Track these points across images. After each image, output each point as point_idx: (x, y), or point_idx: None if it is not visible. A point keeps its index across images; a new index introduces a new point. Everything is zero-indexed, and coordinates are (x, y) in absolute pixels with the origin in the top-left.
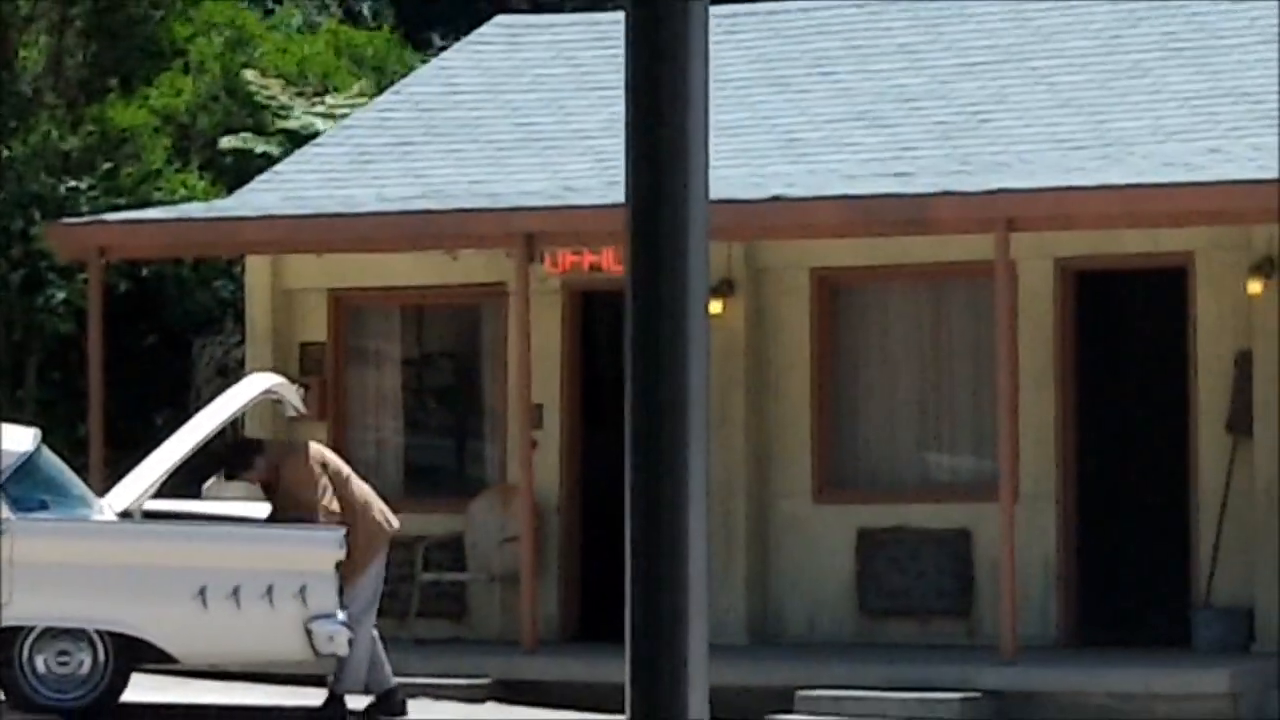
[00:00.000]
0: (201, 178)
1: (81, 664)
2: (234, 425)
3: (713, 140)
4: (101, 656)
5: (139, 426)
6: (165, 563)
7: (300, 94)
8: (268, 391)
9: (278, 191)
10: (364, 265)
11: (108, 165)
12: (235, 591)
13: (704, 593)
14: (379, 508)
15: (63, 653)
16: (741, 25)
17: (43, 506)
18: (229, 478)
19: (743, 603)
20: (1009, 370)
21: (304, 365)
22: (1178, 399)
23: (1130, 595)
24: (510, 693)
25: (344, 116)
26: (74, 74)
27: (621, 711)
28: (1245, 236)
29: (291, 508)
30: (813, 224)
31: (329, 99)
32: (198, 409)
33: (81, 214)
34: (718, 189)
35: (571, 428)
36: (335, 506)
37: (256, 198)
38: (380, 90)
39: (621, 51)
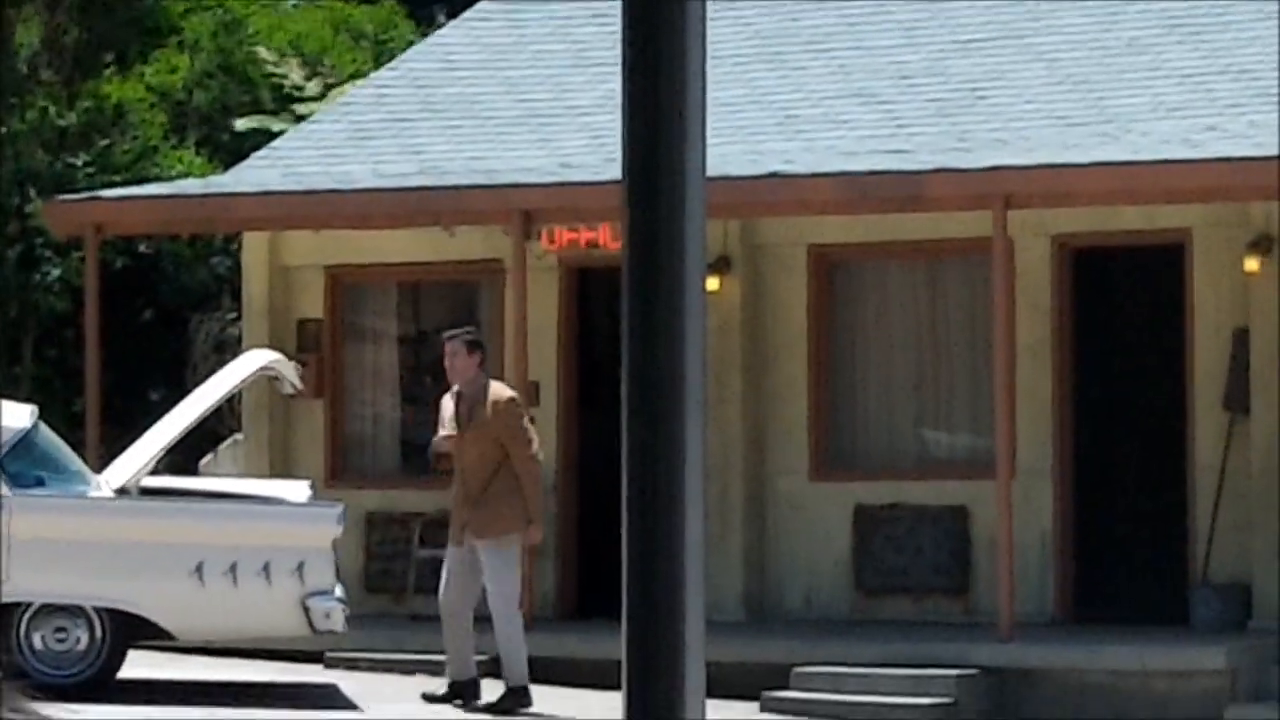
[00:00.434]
0: (198, 154)
1: (79, 641)
2: (230, 402)
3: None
4: (99, 633)
5: (136, 403)
6: (162, 539)
7: (315, 72)
8: (265, 368)
9: (275, 168)
10: (361, 242)
11: (104, 142)
12: (232, 568)
13: (700, 568)
14: None
15: (60, 629)
16: (739, 3)
17: (40, 483)
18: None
19: (740, 580)
20: (1005, 347)
21: (301, 342)
22: (1175, 376)
23: (1127, 573)
24: None
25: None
26: (70, 51)
27: (619, 688)
28: (1243, 214)
29: (490, 449)
30: (810, 201)
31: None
32: (194, 385)
33: (77, 191)
34: (714, 166)
35: (568, 405)
36: (540, 458)
37: (253, 174)
38: (380, 66)
39: (620, 28)
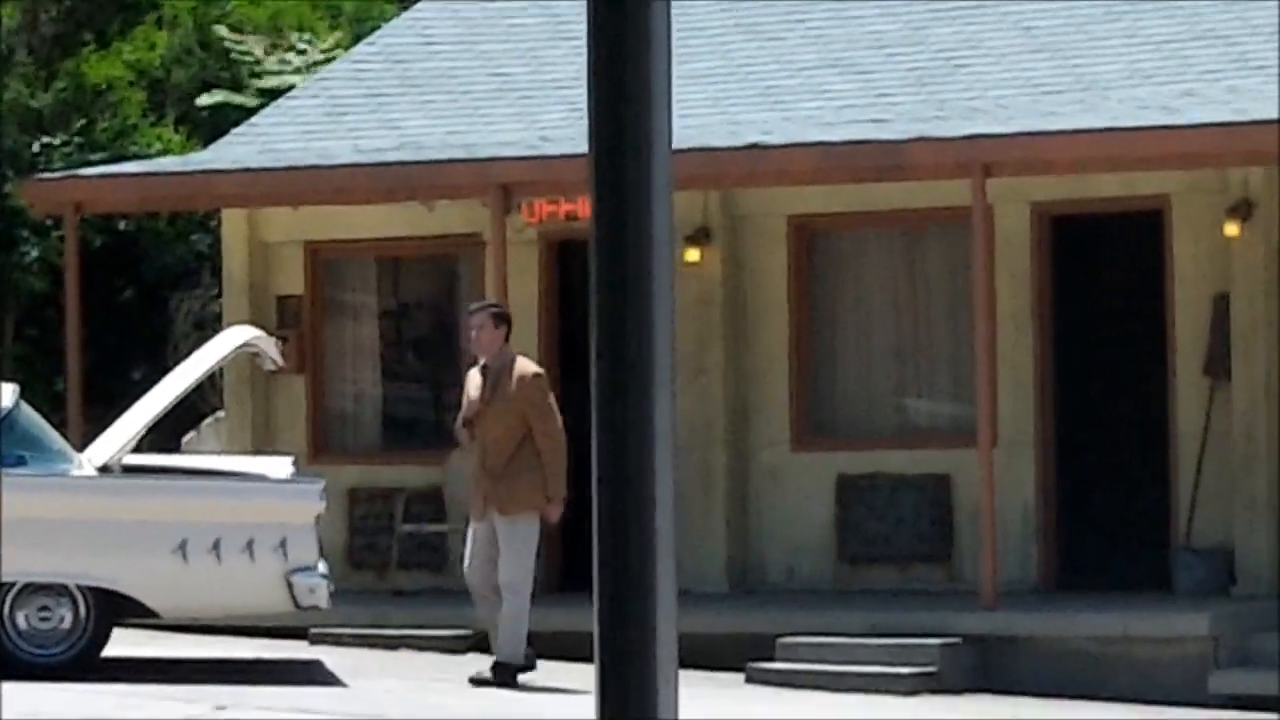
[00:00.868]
0: (177, 132)
1: (63, 619)
2: (211, 379)
3: (688, 89)
4: (83, 612)
5: (117, 381)
6: (145, 517)
7: (275, 46)
8: (245, 345)
9: (253, 145)
10: (340, 217)
11: (83, 121)
12: (216, 545)
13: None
14: None
15: (44, 608)
16: None
17: (22, 462)
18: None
19: (723, 551)
20: (986, 315)
21: (281, 318)
22: (1155, 343)
23: (1110, 539)
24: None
25: (320, 65)
26: (48, 29)
27: None
28: (1221, 179)
29: (514, 424)
30: (789, 171)
31: (302, 49)
32: (176, 363)
33: (56, 170)
34: (693, 137)
35: (549, 378)
36: (561, 437)
37: (232, 151)
38: (358, 42)
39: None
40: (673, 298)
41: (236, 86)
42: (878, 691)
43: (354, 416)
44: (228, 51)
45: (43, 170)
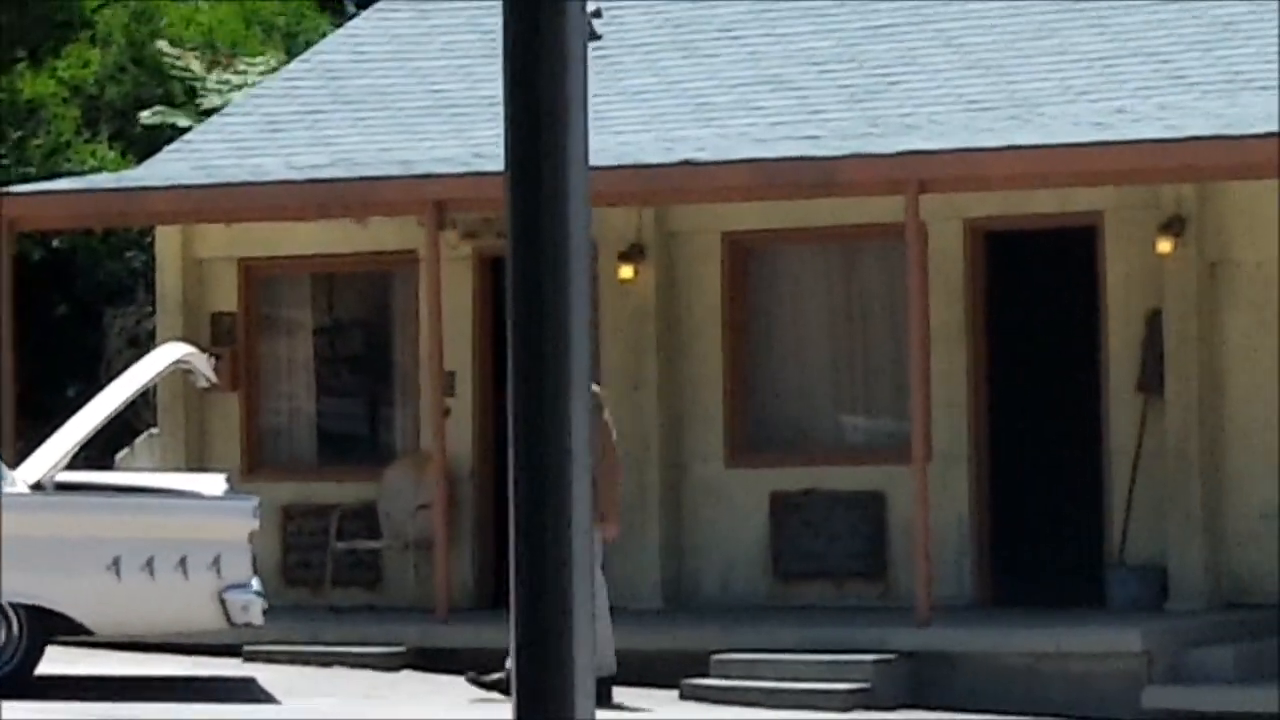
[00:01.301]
0: (111, 148)
1: None
2: (145, 396)
3: (622, 105)
4: (15, 629)
5: (51, 398)
6: (78, 534)
7: (215, 63)
8: (179, 362)
9: (187, 161)
10: (274, 234)
11: (17, 136)
12: (149, 563)
13: (587, 549)
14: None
15: None
16: None
17: None
18: None
19: (657, 568)
20: (920, 331)
21: (215, 335)
22: (1089, 358)
23: (1044, 555)
24: (426, 660)
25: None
26: None
27: None
28: (1154, 196)
29: None
30: (723, 188)
31: (242, 69)
32: (109, 380)
33: None
34: (627, 154)
35: (484, 394)
36: (614, 455)
37: (166, 168)
38: (291, 59)
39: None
40: (589, 312)
41: (171, 103)
42: (812, 708)
43: (288, 433)
44: (164, 68)
45: None
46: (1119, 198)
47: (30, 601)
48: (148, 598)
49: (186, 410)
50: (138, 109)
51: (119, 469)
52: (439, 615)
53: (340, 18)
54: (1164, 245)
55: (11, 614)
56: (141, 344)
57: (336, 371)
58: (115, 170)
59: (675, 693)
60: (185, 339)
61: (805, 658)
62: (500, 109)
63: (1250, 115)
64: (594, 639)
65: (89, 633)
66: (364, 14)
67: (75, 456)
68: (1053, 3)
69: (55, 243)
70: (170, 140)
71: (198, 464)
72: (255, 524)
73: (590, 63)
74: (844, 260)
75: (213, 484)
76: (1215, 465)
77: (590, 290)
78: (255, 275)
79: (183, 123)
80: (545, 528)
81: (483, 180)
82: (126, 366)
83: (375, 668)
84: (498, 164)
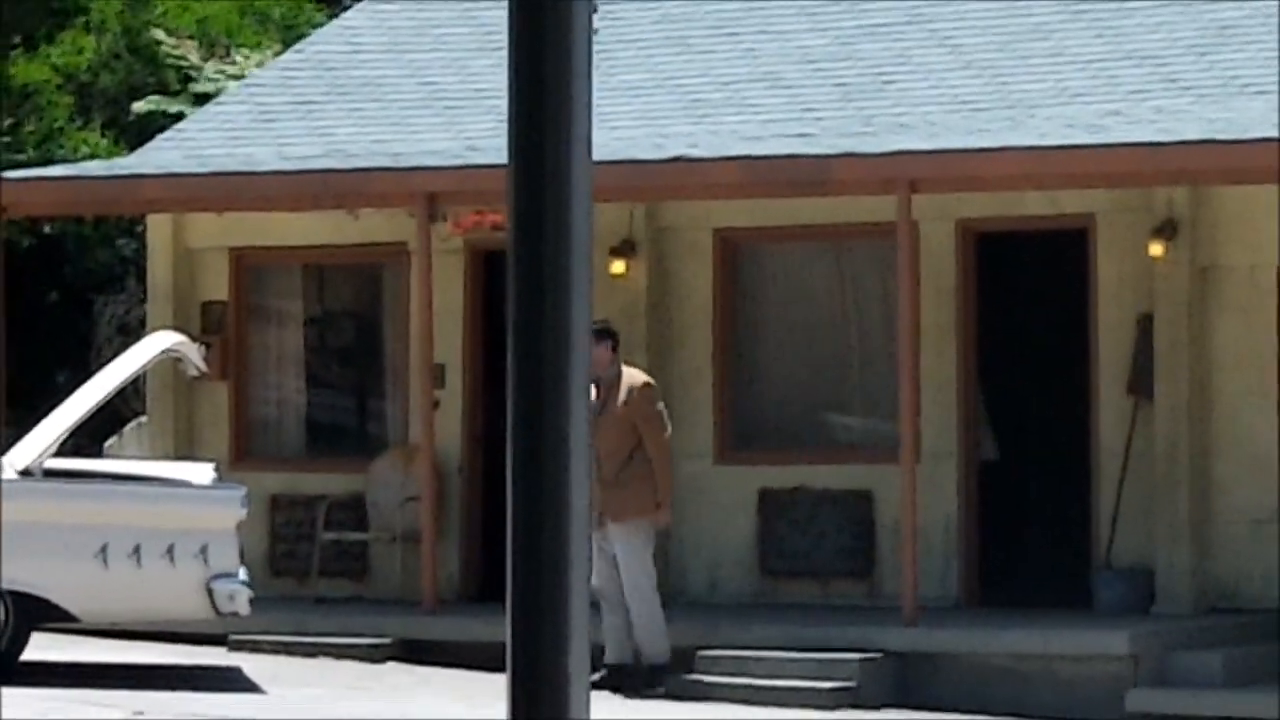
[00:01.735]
0: (104, 136)
1: None
2: (134, 384)
3: (615, 100)
4: (1, 616)
5: (40, 385)
6: (66, 521)
7: (212, 54)
8: (169, 350)
9: (179, 150)
10: (266, 224)
11: (9, 122)
12: (136, 550)
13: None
14: None
15: None
16: None
17: None
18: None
19: None
20: (910, 331)
21: (205, 324)
22: (1079, 361)
23: (1031, 556)
24: (411, 652)
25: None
26: None
27: None
28: (1146, 199)
29: (626, 433)
30: (715, 184)
31: (239, 59)
32: (99, 367)
33: None
34: (619, 149)
35: (473, 387)
36: (669, 446)
37: (158, 156)
38: (286, 50)
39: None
40: (590, 307)
41: (165, 90)
42: (798, 706)
43: (277, 423)
44: (158, 56)
45: None
46: (1111, 201)
47: (17, 588)
48: (134, 586)
49: (175, 399)
50: (131, 97)
51: (107, 457)
52: (425, 607)
53: (336, 8)
54: (1156, 249)
55: None
56: (131, 332)
57: (326, 362)
58: (107, 158)
59: (660, 689)
60: (175, 327)
61: (791, 656)
62: (493, 102)
63: (1245, 120)
64: (588, 631)
65: (75, 620)
66: (358, 6)
67: (64, 443)
68: (1048, 4)
69: (46, 229)
70: (164, 128)
71: (186, 453)
72: (243, 513)
73: None
74: (835, 259)
75: (201, 473)
76: (1203, 469)
77: (592, 287)
78: (246, 265)
79: (177, 110)
80: (543, 520)
81: (474, 173)
82: (116, 354)
83: (361, 659)
84: (490, 157)
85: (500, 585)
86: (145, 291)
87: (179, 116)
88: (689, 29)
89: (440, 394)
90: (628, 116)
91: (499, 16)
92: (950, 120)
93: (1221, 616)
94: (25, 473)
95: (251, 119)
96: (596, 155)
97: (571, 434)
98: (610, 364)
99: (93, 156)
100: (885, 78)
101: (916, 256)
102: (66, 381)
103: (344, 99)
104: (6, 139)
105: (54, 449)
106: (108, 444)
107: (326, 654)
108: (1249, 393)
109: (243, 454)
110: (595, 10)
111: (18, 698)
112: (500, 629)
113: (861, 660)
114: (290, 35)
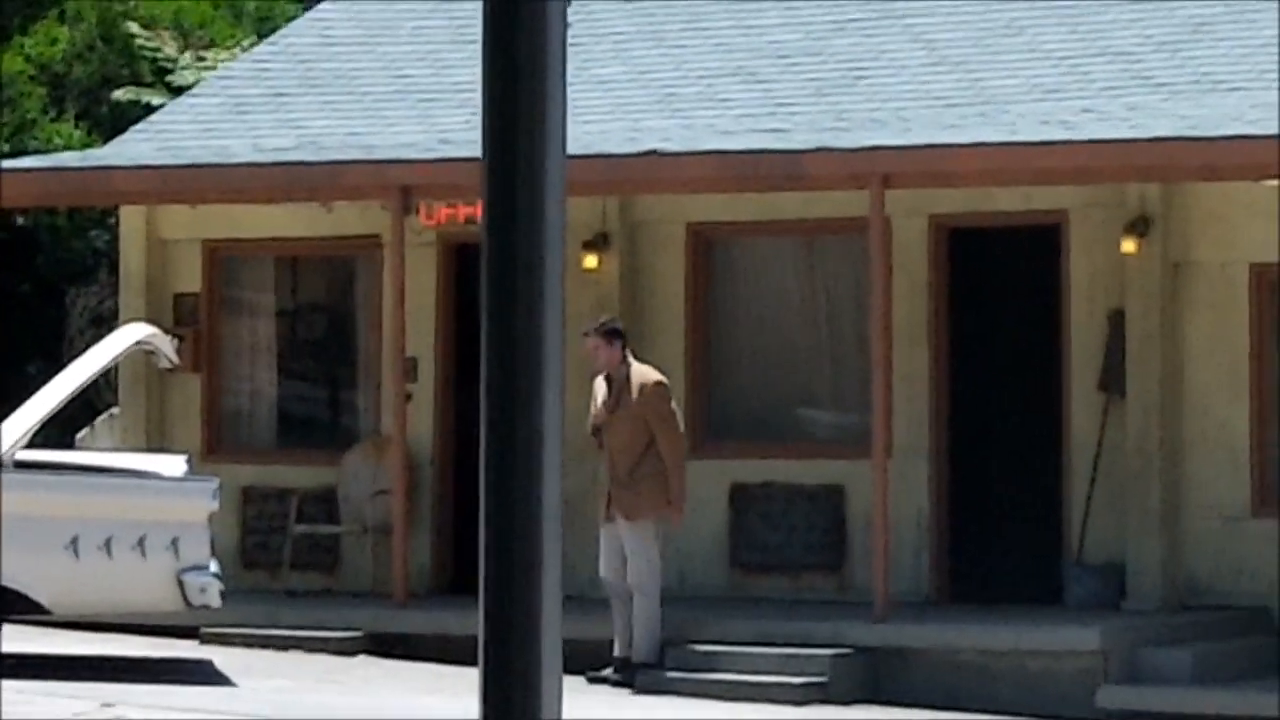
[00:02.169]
0: (77, 128)
1: None
2: (106, 376)
3: (588, 94)
4: None
5: (11, 376)
6: (37, 513)
7: (188, 47)
8: (141, 342)
9: (153, 141)
10: (238, 216)
11: None
12: (107, 543)
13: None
14: None
15: None
16: None
17: None
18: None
19: None
20: (882, 326)
21: (178, 316)
22: (1051, 357)
23: (1002, 552)
24: (382, 645)
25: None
26: None
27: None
28: (1119, 195)
29: (638, 431)
30: (688, 179)
31: (216, 54)
32: (71, 359)
33: None
34: (593, 143)
35: (445, 380)
36: (683, 444)
37: (131, 148)
38: (260, 42)
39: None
40: (563, 300)
41: (139, 82)
42: (768, 700)
43: (249, 415)
44: (132, 48)
45: None
46: (1084, 197)
47: None
48: (105, 578)
49: (148, 391)
50: (105, 88)
51: (79, 448)
52: (396, 600)
53: (310, 2)
54: (1128, 245)
55: None
56: (104, 323)
57: (298, 355)
58: (81, 149)
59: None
60: (148, 319)
61: (762, 650)
62: (466, 95)
63: (1217, 116)
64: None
65: (46, 612)
66: None
67: (35, 435)
68: (1021, 1)
69: (19, 220)
70: (140, 119)
71: (158, 445)
72: (214, 506)
73: None
74: (808, 253)
75: (173, 465)
76: (1175, 465)
77: (563, 283)
78: (219, 257)
79: (156, 101)
80: (516, 513)
81: (448, 166)
82: (88, 346)
83: (332, 652)
84: (463, 150)
85: (472, 578)
86: (118, 283)
87: (158, 108)
88: (663, 23)
89: (412, 387)
90: (601, 110)
91: (473, 10)
92: (923, 116)
93: (1192, 613)
94: None
95: (225, 111)
96: (570, 149)
97: (545, 427)
98: (620, 362)
99: (66, 148)
100: (858, 73)
101: (889, 252)
102: (38, 373)
103: (317, 91)
104: None
105: (25, 441)
106: (79, 436)
107: (298, 647)
108: (1220, 389)
109: (214, 446)
110: (569, 4)
111: None
112: (472, 622)
113: (832, 655)
114: (265, 27)
